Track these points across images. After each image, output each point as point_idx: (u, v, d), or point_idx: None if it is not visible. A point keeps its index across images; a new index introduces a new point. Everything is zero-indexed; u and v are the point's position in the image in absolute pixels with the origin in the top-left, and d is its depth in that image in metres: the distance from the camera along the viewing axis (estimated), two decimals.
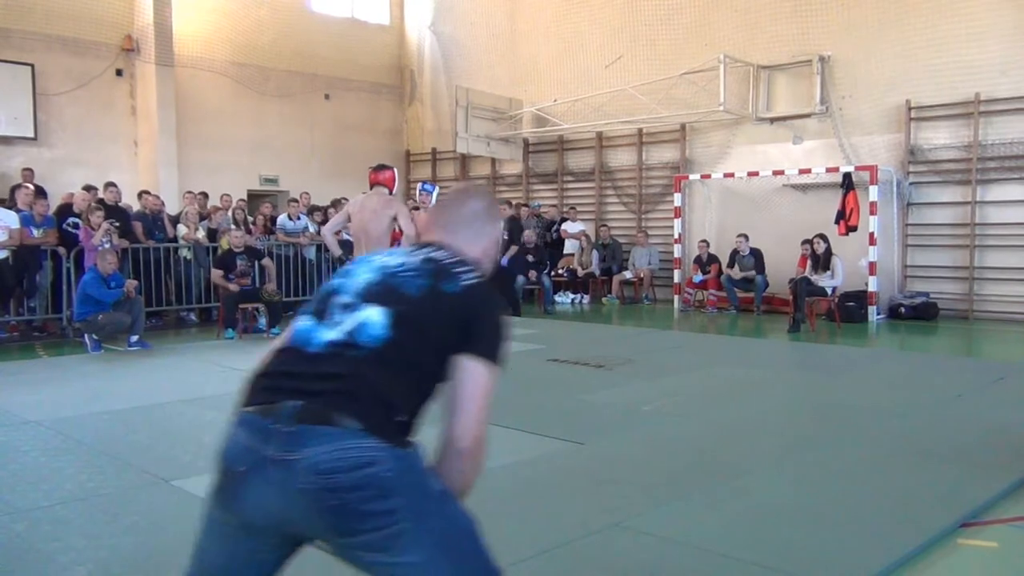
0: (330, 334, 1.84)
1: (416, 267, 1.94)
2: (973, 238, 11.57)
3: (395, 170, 7.22)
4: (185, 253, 11.48)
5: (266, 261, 10.85)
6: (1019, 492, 4.20)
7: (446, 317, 1.87)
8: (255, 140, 16.34)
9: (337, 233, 7.45)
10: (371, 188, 6.98)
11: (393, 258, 2.00)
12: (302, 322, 1.93)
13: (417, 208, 9.22)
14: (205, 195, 13.03)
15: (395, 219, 6.73)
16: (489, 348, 1.88)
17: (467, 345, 1.86)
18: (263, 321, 10.57)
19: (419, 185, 8.43)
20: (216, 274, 10.16)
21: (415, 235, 6.87)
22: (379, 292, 1.89)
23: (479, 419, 1.85)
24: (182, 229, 11.61)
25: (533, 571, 3.24)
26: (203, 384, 7.16)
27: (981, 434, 5.29)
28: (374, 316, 1.84)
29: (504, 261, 13.35)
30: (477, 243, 2.12)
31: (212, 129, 15.69)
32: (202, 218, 12.05)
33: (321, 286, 2.13)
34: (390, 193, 6.96)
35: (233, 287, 10.07)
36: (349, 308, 1.87)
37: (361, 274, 1.96)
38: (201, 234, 11.62)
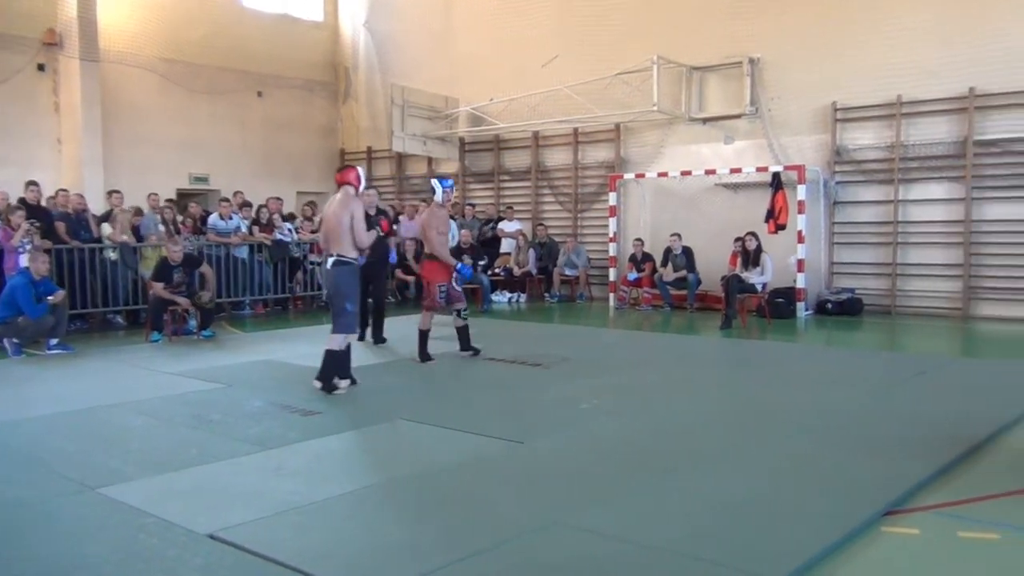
0: None
1: None
2: (896, 235, 11.97)
3: (358, 168, 7.03)
4: (111, 254, 11.14)
5: (204, 268, 10.61)
6: (940, 480, 4.38)
7: None
8: (185, 138, 15.96)
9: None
10: (338, 188, 6.83)
11: None
12: None
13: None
14: (118, 193, 11.97)
15: (352, 218, 6.57)
16: None
17: None
18: (193, 323, 10.35)
19: (439, 182, 8.05)
20: (158, 287, 9.88)
21: (364, 239, 6.67)
22: None
23: None
24: (106, 229, 11.25)
25: (472, 570, 3.25)
26: (131, 388, 6.97)
27: (904, 426, 5.49)
28: None
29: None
30: None
31: (140, 126, 15.27)
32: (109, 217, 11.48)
33: None
34: (356, 192, 6.82)
35: (183, 301, 9.88)
36: None
37: None
38: (127, 235, 11.27)
